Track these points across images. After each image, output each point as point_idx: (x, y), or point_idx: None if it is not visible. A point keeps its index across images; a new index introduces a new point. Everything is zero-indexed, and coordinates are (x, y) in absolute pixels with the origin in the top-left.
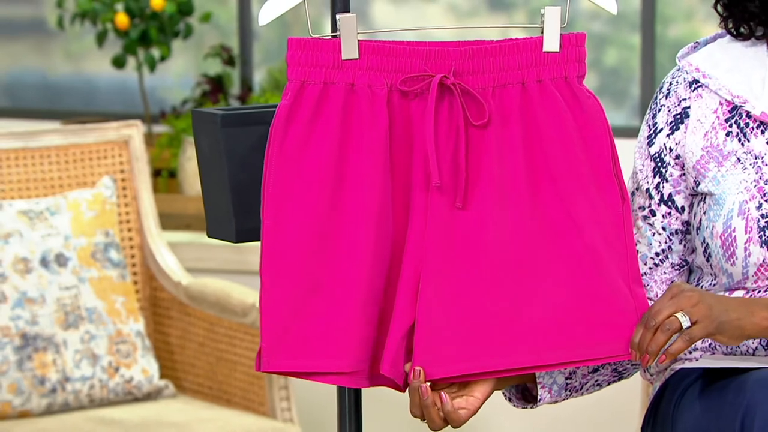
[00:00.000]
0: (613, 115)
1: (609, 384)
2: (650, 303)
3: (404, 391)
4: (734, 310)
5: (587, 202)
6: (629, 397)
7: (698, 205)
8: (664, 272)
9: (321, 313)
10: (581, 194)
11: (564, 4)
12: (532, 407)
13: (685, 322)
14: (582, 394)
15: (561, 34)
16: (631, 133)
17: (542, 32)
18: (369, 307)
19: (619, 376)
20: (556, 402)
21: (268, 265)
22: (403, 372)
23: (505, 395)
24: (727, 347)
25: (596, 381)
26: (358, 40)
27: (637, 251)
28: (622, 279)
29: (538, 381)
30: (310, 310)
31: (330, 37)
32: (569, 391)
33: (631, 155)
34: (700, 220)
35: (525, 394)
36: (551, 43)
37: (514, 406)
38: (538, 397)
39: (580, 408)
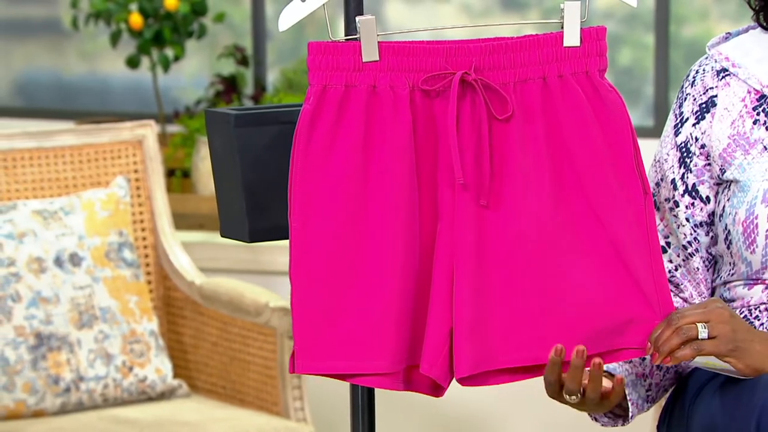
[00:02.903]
0: None
1: (671, 387)
2: (683, 303)
3: (441, 395)
4: (760, 343)
5: (610, 197)
6: None
7: (723, 192)
8: (697, 269)
9: (353, 315)
10: (604, 188)
11: None
12: (622, 424)
13: (703, 333)
14: (656, 402)
15: (581, 29)
16: (646, 132)
17: (562, 27)
18: (401, 307)
19: (680, 375)
20: (640, 413)
21: (298, 268)
22: (446, 372)
23: (590, 416)
24: None
25: (663, 387)
26: (378, 42)
27: (670, 243)
28: (646, 272)
29: (628, 398)
30: (342, 311)
31: (345, 40)
32: (649, 402)
33: (645, 154)
34: (724, 206)
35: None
36: (572, 38)
37: (602, 425)
38: (630, 414)
39: None
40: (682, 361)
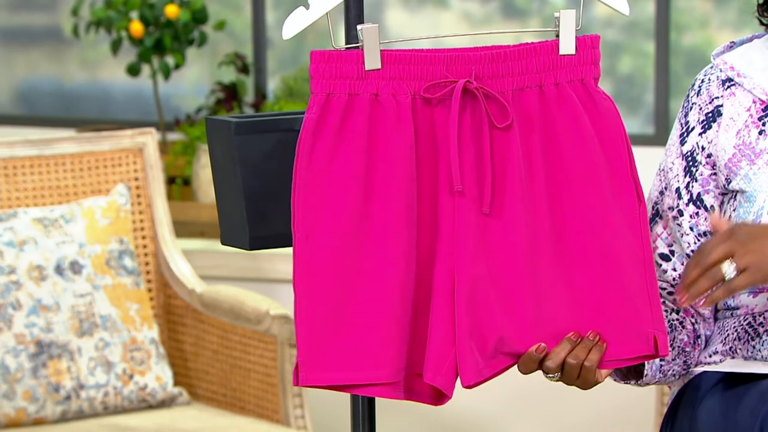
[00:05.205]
0: (627, 123)
1: (679, 377)
2: (689, 309)
3: (443, 404)
4: None
5: (605, 205)
6: (644, 403)
7: (728, 202)
8: None
9: (356, 325)
10: (599, 197)
11: (578, 7)
12: (634, 383)
13: (729, 273)
14: (666, 382)
15: (576, 37)
16: (646, 140)
17: (557, 35)
18: (401, 316)
19: (687, 367)
20: (648, 384)
21: (301, 279)
22: (451, 380)
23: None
24: (747, 351)
25: (673, 371)
26: (380, 50)
27: (674, 251)
28: (639, 280)
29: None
30: (345, 321)
31: (345, 48)
32: (662, 374)
33: (645, 163)
34: (730, 216)
35: (619, 370)
36: (567, 46)
37: (613, 380)
38: (645, 373)
39: (595, 414)
40: (717, 301)
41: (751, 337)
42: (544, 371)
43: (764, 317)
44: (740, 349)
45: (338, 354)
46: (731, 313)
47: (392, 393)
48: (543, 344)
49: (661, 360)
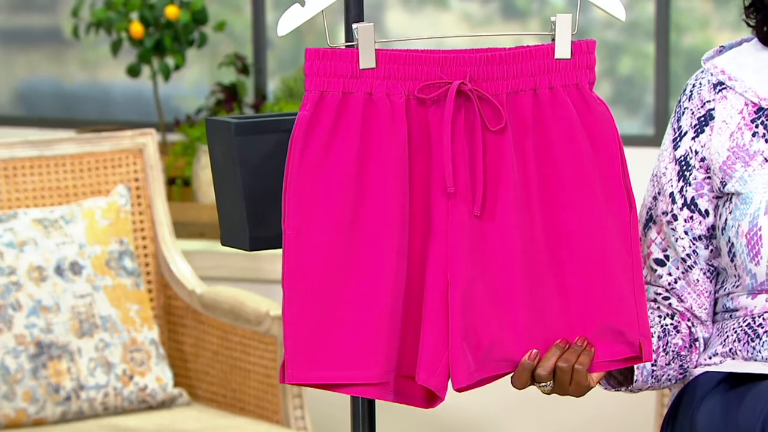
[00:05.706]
0: (627, 124)
1: (677, 381)
2: (686, 313)
3: (434, 407)
4: None
5: (597, 209)
6: (644, 405)
7: (724, 205)
8: (698, 281)
9: (344, 324)
10: (590, 202)
11: (574, 11)
12: (624, 390)
13: None
14: (661, 387)
15: (572, 41)
16: (645, 141)
17: (553, 39)
18: (391, 317)
19: (684, 371)
20: (640, 390)
21: (291, 276)
22: (444, 382)
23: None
24: (747, 353)
25: (668, 376)
26: (375, 49)
27: (668, 256)
28: (628, 286)
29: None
30: (334, 320)
31: (345, 46)
32: (654, 379)
33: (645, 164)
34: (726, 219)
35: (612, 377)
36: (563, 50)
37: (604, 389)
38: (635, 378)
39: (595, 416)
40: None
41: (751, 339)
42: (536, 381)
43: (764, 318)
44: (740, 350)
45: (326, 353)
46: (730, 315)
47: (380, 394)
48: (535, 350)
49: (652, 365)
